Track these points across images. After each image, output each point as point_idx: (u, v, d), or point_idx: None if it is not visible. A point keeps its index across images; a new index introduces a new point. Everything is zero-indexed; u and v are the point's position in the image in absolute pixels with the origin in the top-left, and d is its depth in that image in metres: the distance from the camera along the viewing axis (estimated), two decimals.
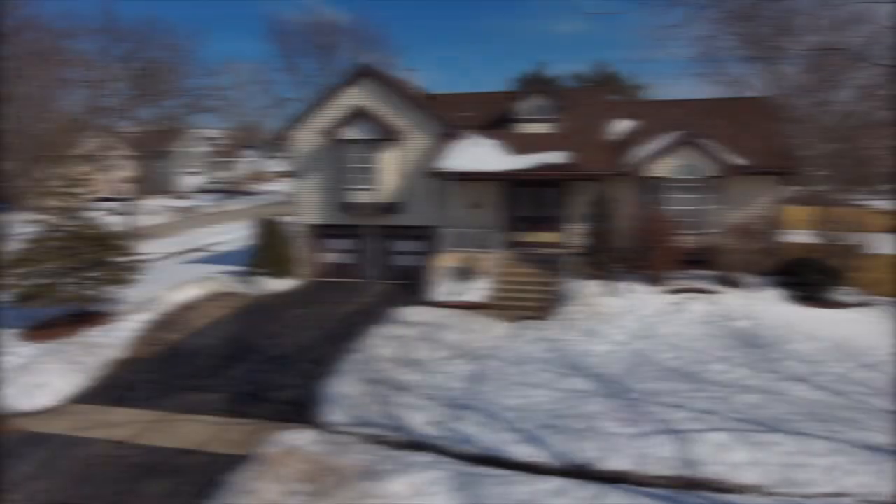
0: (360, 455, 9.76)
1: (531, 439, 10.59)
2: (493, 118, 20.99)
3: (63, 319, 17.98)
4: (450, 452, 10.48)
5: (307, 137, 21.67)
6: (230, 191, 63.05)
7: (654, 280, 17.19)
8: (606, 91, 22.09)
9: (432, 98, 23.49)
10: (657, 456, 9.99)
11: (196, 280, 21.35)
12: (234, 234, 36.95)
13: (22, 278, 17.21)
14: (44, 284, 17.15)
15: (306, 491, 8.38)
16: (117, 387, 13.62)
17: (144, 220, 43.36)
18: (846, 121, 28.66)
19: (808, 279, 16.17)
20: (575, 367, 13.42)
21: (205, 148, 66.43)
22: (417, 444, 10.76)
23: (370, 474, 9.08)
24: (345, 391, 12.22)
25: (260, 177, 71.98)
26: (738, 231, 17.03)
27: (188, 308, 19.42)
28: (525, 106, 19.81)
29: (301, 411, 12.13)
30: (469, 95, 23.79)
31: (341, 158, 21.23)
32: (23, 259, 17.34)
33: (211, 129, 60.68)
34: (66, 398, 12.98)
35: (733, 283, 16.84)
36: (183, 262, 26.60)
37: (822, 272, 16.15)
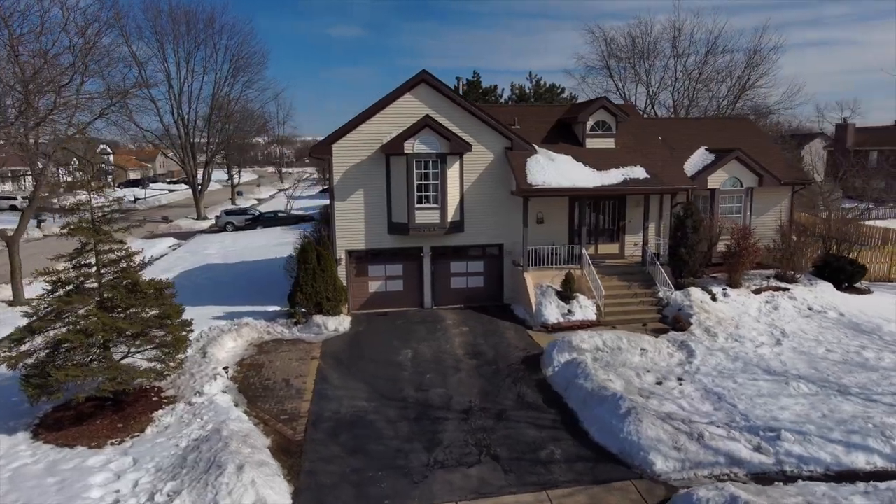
0: (789, 498, 9.06)
1: (854, 447, 10.94)
2: (550, 132, 20.63)
3: (90, 406, 12.72)
4: (802, 476, 10.30)
5: (350, 151, 18.58)
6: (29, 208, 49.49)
7: (732, 283, 18.87)
8: (639, 109, 23.26)
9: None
10: None
11: (226, 329, 16.91)
12: None
13: (33, 356, 11.88)
14: (80, 363, 12.07)
15: None
16: (331, 485, 10.16)
17: None
18: None
19: (844, 272, 19.46)
20: (771, 372, 14.11)
21: None
22: (762, 476, 10.34)
23: None
24: (645, 433, 11.05)
25: (53, 188, 57.85)
26: (784, 233, 19.66)
27: (254, 366, 15.29)
28: (589, 120, 19.93)
29: (606, 466, 10.65)
30: (517, 108, 22.92)
31: (394, 174, 18.71)
32: (34, 329, 11.94)
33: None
34: None
35: (791, 280, 19.39)
36: None
37: (852, 265, 19.57)
